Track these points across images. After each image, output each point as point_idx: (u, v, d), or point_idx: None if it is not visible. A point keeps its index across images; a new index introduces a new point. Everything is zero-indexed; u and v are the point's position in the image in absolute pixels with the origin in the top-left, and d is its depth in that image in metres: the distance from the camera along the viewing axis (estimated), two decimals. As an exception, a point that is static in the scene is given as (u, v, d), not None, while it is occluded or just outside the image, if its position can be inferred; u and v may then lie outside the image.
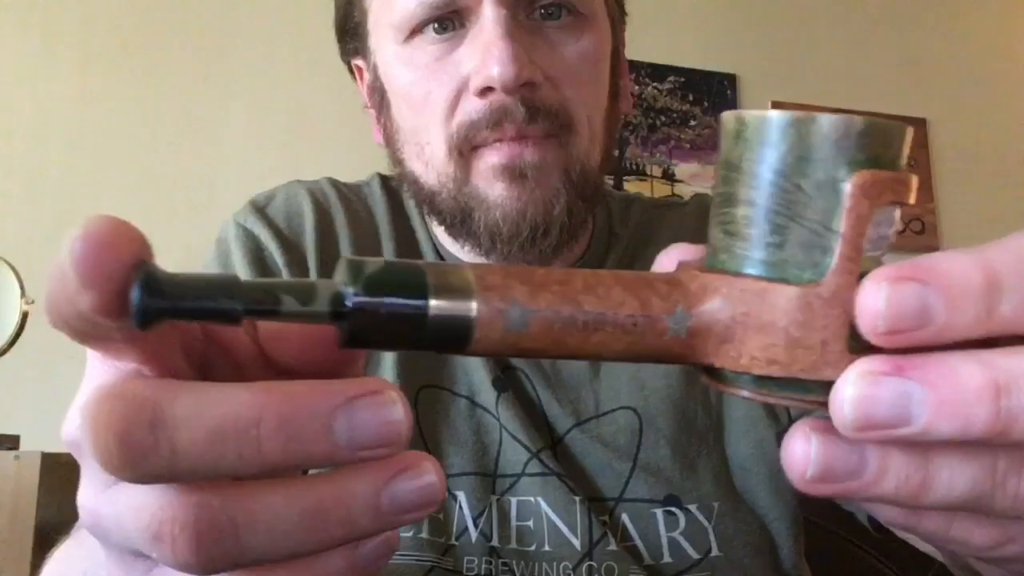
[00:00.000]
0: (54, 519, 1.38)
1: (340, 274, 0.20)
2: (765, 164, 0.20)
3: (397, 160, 0.61)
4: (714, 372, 0.22)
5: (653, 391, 0.59)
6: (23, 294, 1.30)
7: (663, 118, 2.28)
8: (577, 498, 0.54)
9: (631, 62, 0.65)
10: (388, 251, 0.62)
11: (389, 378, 0.56)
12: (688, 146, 2.29)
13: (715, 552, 0.54)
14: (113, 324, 0.18)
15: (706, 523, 0.55)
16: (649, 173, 2.24)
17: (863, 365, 0.19)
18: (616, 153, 2.07)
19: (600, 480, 0.56)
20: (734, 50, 2.36)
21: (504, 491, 0.55)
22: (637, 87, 2.22)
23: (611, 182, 2.10)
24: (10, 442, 1.33)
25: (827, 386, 0.20)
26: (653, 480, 0.56)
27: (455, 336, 0.20)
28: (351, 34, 0.63)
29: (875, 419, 0.19)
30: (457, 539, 0.52)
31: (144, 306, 0.18)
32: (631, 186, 2.17)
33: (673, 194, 2.22)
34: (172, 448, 0.19)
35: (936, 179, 2.43)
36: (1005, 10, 2.62)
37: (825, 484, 0.20)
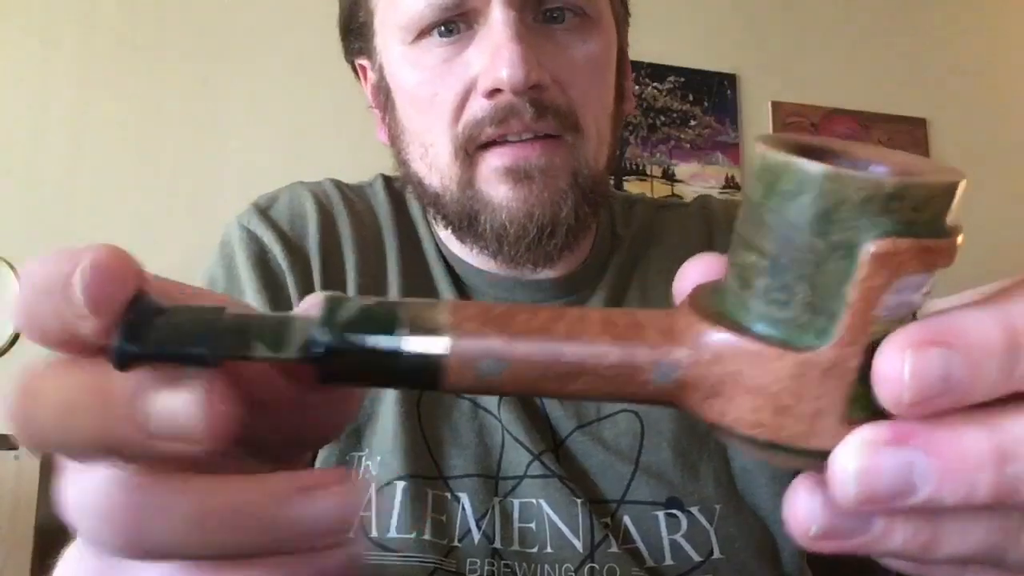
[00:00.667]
0: (54, 519, 1.38)
1: (319, 311, 0.20)
2: (782, 214, 0.19)
3: (402, 161, 0.61)
4: None
5: None
6: (23, 294, 1.30)
7: (663, 118, 2.28)
8: (579, 500, 0.54)
9: (631, 62, 0.65)
10: (392, 252, 0.61)
11: None
12: (688, 146, 2.29)
13: (717, 554, 0.54)
14: (100, 343, 0.19)
15: (708, 525, 0.55)
16: (649, 173, 2.24)
17: (863, 434, 0.18)
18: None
19: (602, 482, 0.56)
20: (734, 50, 2.36)
21: (507, 493, 0.55)
22: (637, 87, 2.22)
23: (611, 182, 2.10)
24: (10, 442, 1.33)
25: (815, 454, 0.19)
26: (655, 482, 0.56)
27: (427, 378, 0.20)
28: (356, 34, 0.62)
29: (878, 492, 0.18)
30: (460, 541, 0.52)
31: (121, 351, 0.19)
32: (631, 186, 2.17)
33: (673, 194, 2.22)
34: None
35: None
36: (1005, 10, 2.62)
37: (829, 542, 0.20)
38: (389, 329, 0.19)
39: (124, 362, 0.19)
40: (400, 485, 0.52)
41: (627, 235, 0.66)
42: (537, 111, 0.53)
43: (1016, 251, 2.41)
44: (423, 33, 0.55)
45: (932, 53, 2.50)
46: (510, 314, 0.20)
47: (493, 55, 0.52)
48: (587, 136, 0.56)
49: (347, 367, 0.20)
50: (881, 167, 0.19)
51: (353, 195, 0.65)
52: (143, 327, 0.19)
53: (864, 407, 0.19)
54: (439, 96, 0.55)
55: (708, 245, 0.65)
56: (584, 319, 0.20)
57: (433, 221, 0.63)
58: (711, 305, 0.20)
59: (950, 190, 0.18)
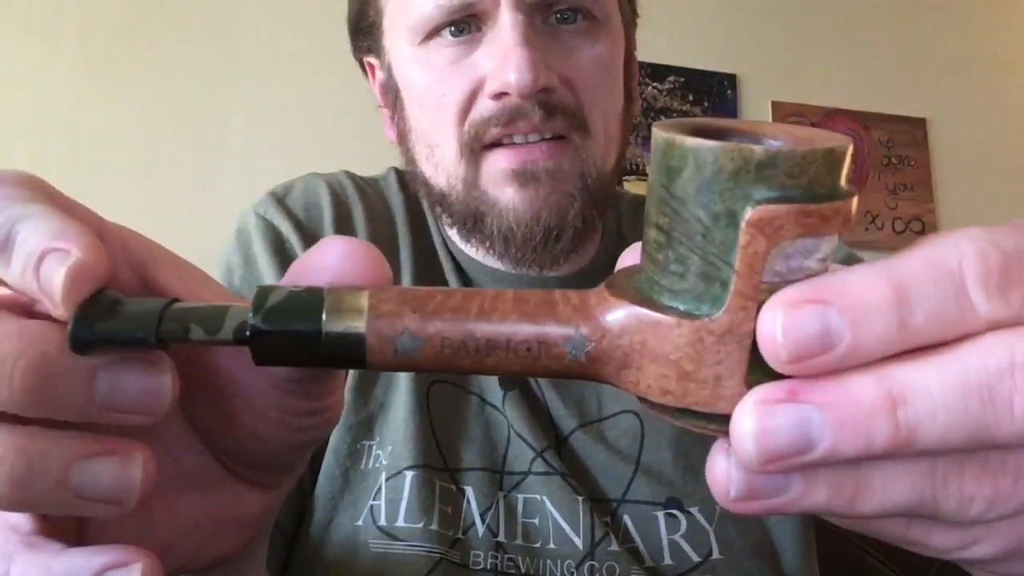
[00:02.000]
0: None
1: (255, 295, 0.22)
2: (670, 189, 0.20)
3: (409, 159, 0.61)
4: None
5: None
6: (23, 294, 1.30)
7: (663, 118, 2.28)
8: (580, 498, 0.54)
9: (631, 62, 0.65)
10: (405, 243, 0.62)
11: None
12: (688, 146, 2.29)
13: (716, 555, 0.54)
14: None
15: (707, 526, 0.55)
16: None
17: (756, 395, 0.19)
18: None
19: (603, 481, 0.56)
20: (734, 50, 2.36)
21: (511, 488, 0.55)
22: (638, 87, 2.22)
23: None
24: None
25: (721, 418, 0.20)
26: (655, 482, 0.56)
27: (349, 357, 0.21)
28: (365, 32, 0.63)
29: (777, 450, 0.18)
30: (465, 533, 0.52)
31: (74, 336, 0.21)
32: (631, 186, 2.17)
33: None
34: None
35: (936, 179, 2.43)
36: (1005, 10, 2.62)
37: (751, 503, 0.20)
38: (312, 313, 0.21)
39: (78, 345, 0.20)
40: (410, 475, 0.53)
41: (633, 236, 0.66)
42: (545, 112, 0.53)
43: (1016, 251, 2.42)
44: (432, 34, 0.55)
45: (932, 53, 2.50)
46: (427, 296, 0.21)
47: (501, 59, 0.52)
48: (595, 137, 0.56)
49: (275, 348, 0.21)
50: (778, 142, 0.20)
51: (367, 187, 0.65)
52: (96, 316, 0.21)
53: (765, 371, 0.19)
54: (446, 96, 0.55)
55: None
56: (498, 298, 0.21)
57: (440, 219, 0.63)
58: (626, 284, 0.21)
59: (826, 156, 0.18)
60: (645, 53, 2.51)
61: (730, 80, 2.35)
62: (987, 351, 0.18)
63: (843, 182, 0.19)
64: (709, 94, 2.33)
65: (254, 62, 1.93)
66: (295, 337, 0.21)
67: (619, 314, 0.20)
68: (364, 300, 0.21)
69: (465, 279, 0.62)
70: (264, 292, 0.22)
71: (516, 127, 0.53)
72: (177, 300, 0.22)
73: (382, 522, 0.52)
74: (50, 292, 0.20)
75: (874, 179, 2.39)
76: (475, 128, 0.54)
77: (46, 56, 1.83)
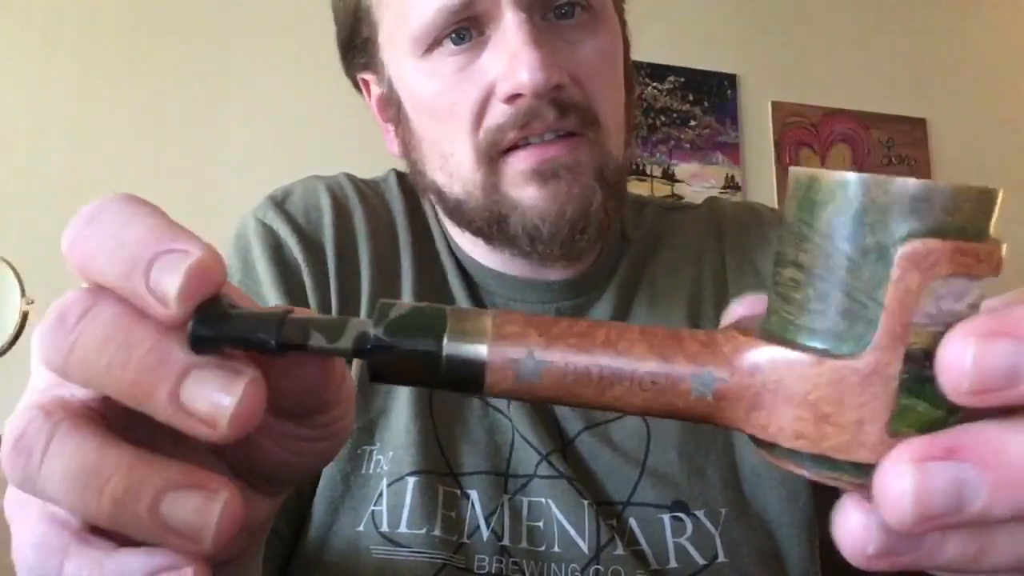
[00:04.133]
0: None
1: (373, 313, 0.22)
2: (814, 225, 0.19)
3: (418, 171, 0.60)
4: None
5: None
6: (23, 294, 1.30)
7: (663, 118, 2.28)
8: (585, 502, 0.53)
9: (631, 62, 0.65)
10: (405, 246, 0.61)
11: None
12: (688, 146, 2.29)
13: (721, 558, 0.54)
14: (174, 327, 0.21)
15: (712, 529, 0.55)
16: (649, 173, 2.24)
17: (911, 450, 0.18)
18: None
19: (608, 484, 0.56)
20: (734, 50, 2.36)
21: (516, 491, 0.54)
22: (637, 87, 2.22)
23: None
24: (10, 442, 1.33)
25: (859, 467, 0.19)
26: (661, 485, 0.55)
27: (468, 380, 0.21)
28: (359, 50, 0.62)
29: (931, 511, 0.18)
30: (469, 537, 0.52)
31: (195, 333, 0.21)
32: (631, 186, 2.17)
33: (673, 194, 2.22)
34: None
35: (936, 179, 2.43)
36: (1005, 10, 2.62)
37: (884, 559, 0.19)
38: (434, 331, 0.21)
39: (198, 344, 0.21)
40: (412, 481, 0.52)
41: (637, 238, 0.66)
42: (559, 111, 0.53)
43: (1017, 251, 2.42)
44: (435, 43, 0.54)
45: (932, 53, 2.50)
46: (552, 321, 0.21)
47: (511, 60, 0.52)
48: (606, 129, 0.56)
49: (394, 364, 0.21)
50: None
51: (367, 189, 0.65)
52: (215, 317, 0.21)
53: (909, 421, 0.18)
54: (458, 105, 0.54)
55: (717, 247, 0.65)
56: (625, 329, 0.21)
57: (443, 220, 0.63)
58: (753, 327, 0.21)
59: (980, 196, 0.18)
60: (645, 53, 2.50)
61: (730, 80, 2.35)
62: None
63: (991, 228, 0.19)
64: (709, 94, 2.33)
65: (255, 62, 1.94)
66: (416, 355, 0.21)
67: (752, 352, 0.20)
68: (488, 321, 0.21)
69: (469, 282, 0.62)
70: (387, 306, 0.21)
71: (532, 128, 0.53)
72: (289, 309, 0.22)
73: (384, 528, 0.52)
74: (163, 292, 0.21)
75: (874, 179, 2.40)
76: (491, 135, 0.54)
77: (46, 56, 1.83)
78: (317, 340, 0.21)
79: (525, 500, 0.54)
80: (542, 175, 0.53)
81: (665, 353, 0.20)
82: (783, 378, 0.19)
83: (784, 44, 2.41)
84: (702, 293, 0.63)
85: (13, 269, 1.33)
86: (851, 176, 0.18)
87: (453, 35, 0.54)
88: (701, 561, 0.53)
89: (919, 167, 2.43)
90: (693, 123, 2.31)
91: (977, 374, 0.17)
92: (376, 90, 0.63)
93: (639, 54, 0.65)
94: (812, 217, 0.19)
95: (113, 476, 0.21)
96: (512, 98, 0.52)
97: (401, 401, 0.55)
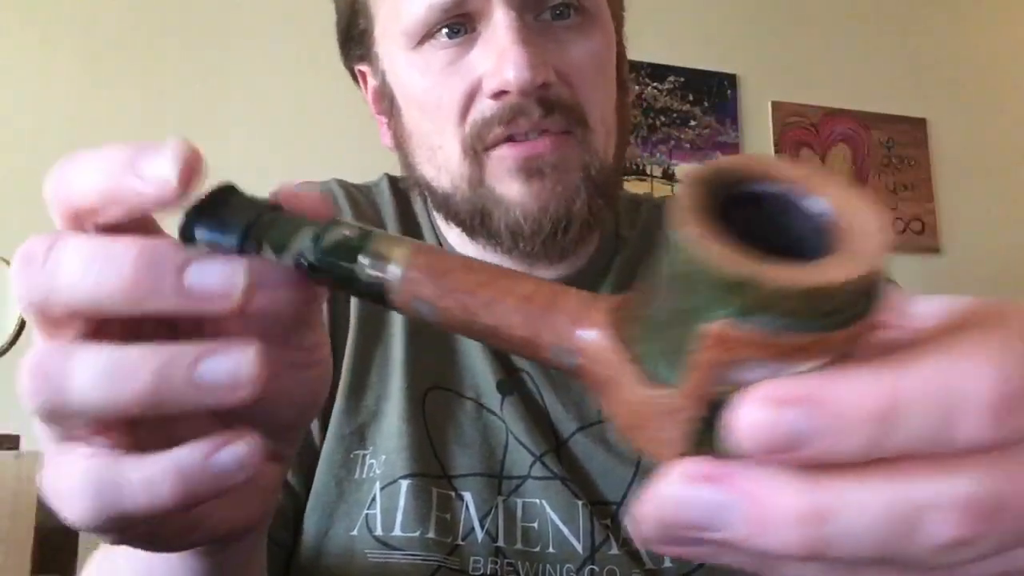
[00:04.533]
0: (54, 519, 1.38)
1: (313, 230, 0.25)
2: (663, 263, 0.19)
3: (408, 165, 0.61)
4: None
5: None
6: (23, 294, 1.30)
7: (663, 118, 2.28)
8: (579, 502, 0.54)
9: (631, 62, 0.65)
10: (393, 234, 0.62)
11: (397, 379, 0.56)
12: (688, 146, 2.29)
13: None
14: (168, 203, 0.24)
15: None
16: (649, 173, 2.24)
17: (685, 465, 0.19)
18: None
19: (603, 484, 0.56)
20: (734, 50, 2.36)
21: (510, 492, 0.55)
22: (637, 87, 2.22)
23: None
24: (10, 442, 1.33)
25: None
26: None
27: (378, 298, 0.25)
28: (356, 41, 0.63)
29: (679, 522, 0.19)
30: (463, 539, 0.52)
31: (180, 231, 0.25)
32: (631, 186, 2.17)
33: (673, 194, 2.22)
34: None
35: (936, 179, 2.43)
36: (1005, 10, 2.62)
37: (666, 546, 0.20)
38: (355, 256, 0.24)
39: (183, 238, 0.25)
40: (405, 483, 0.53)
41: (631, 236, 0.66)
42: (544, 109, 0.53)
43: (1016, 251, 2.42)
44: (426, 37, 0.55)
45: (932, 53, 2.50)
46: (451, 269, 0.24)
47: (498, 57, 0.52)
48: (594, 130, 0.56)
49: (324, 277, 0.25)
50: (822, 202, 0.19)
51: (358, 195, 0.65)
52: (205, 212, 0.25)
53: (710, 445, 0.19)
54: (444, 99, 0.55)
55: None
56: (509, 292, 0.23)
57: (437, 221, 0.63)
58: (629, 309, 0.21)
59: (815, 292, 0.17)
60: (645, 53, 2.51)
61: (730, 80, 2.35)
62: (943, 481, 0.18)
63: (853, 317, 0.18)
64: (709, 94, 2.33)
65: (254, 62, 1.94)
66: (338, 273, 0.25)
67: (603, 344, 0.21)
68: (401, 253, 0.24)
69: None
70: (325, 227, 0.25)
71: (517, 125, 0.53)
72: (278, 208, 0.26)
73: (378, 532, 0.52)
74: (158, 176, 0.23)
75: (874, 179, 2.39)
76: (476, 129, 0.54)
77: (46, 56, 1.83)
78: (267, 252, 0.25)
79: (519, 501, 0.54)
80: (527, 171, 0.54)
81: (534, 323, 0.23)
82: (613, 376, 0.21)
83: (784, 44, 2.41)
84: None
85: (13, 269, 1.33)
86: (687, 235, 0.18)
87: (445, 30, 0.54)
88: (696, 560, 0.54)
89: (919, 167, 2.43)
90: (693, 123, 2.31)
91: (757, 437, 0.18)
92: (371, 82, 0.63)
93: (639, 54, 0.65)
94: (664, 254, 0.19)
95: (144, 360, 0.23)
96: (498, 95, 0.53)
97: (393, 404, 0.55)
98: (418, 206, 0.65)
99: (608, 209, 0.59)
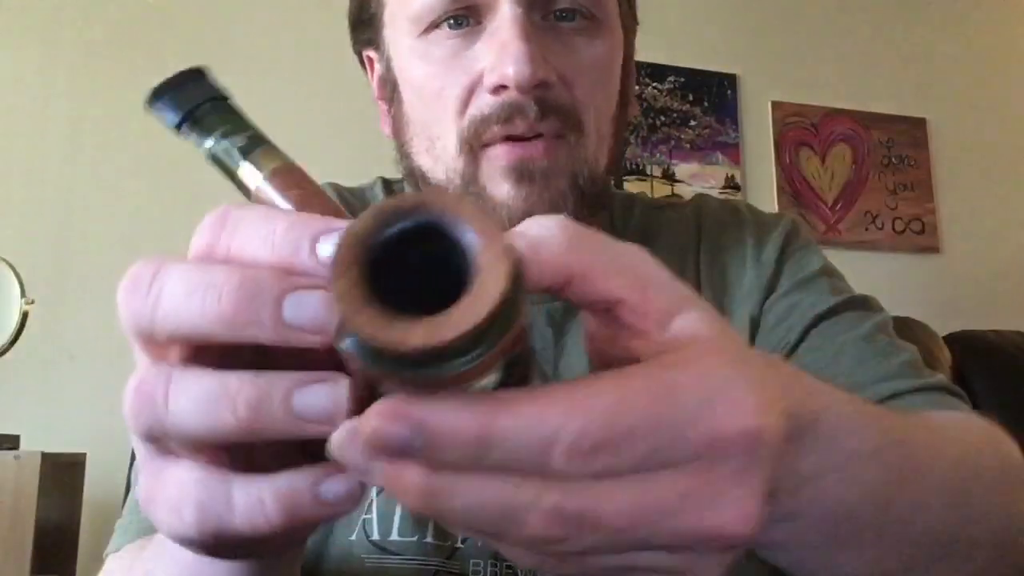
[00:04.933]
0: (54, 519, 1.38)
1: (224, 129, 0.31)
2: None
3: (405, 154, 0.61)
4: None
5: None
6: (23, 294, 1.30)
7: (663, 118, 2.28)
8: None
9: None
10: None
11: None
12: (688, 146, 2.29)
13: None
14: None
15: None
16: (649, 173, 2.24)
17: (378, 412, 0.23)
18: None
19: None
20: (734, 50, 2.36)
21: None
22: (637, 87, 2.22)
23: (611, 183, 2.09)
24: (10, 442, 1.33)
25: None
26: None
27: (246, 193, 0.30)
28: (365, 25, 0.63)
29: (377, 443, 0.22)
30: (462, 542, 0.52)
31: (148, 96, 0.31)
32: (631, 186, 2.17)
33: (673, 194, 2.22)
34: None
35: (936, 179, 2.43)
36: (1006, 10, 2.62)
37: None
38: (239, 160, 0.29)
39: (148, 102, 0.31)
40: None
41: (625, 237, 0.66)
42: (542, 110, 0.53)
43: (1016, 251, 2.42)
44: (432, 26, 0.56)
45: (932, 53, 2.50)
46: (295, 189, 0.29)
47: (500, 51, 0.53)
48: (588, 136, 0.56)
49: (218, 169, 0.30)
50: (472, 232, 0.22)
51: (351, 197, 0.66)
52: (176, 89, 0.33)
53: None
54: (446, 90, 0.56)
55: (696, 245, 0.65)
56: (295, 195, 0.29)
57: None
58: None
59: (424, 350, 0.20)
60: (645, 53, 2.52)
61: (730, 80, 2.35)
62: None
63: (454, 358, 0.21)
64: (709, 94, 2.33)
65: (254, 62, 1.93)
66: (226, 172, 0.30)
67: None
68: (267, 166, 0.29)
69: None
70: (230, 131, 0.31)
71: (515, 126, 0.54)
72: (224, 99, 0.31)
73: (375, 537, 0.52)
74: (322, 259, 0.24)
75: (874, 179, 2.39)
76: (474, 125, 0.55)
77: (46, 56, 1.83)
78: (193, 136, 0.31)
79: None
80: (518, 174, 0.54)
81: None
82: None
83: (784, 44, 2.41)
84: None
85: (13, 269, 1.33)
86: (346, 303, 0.21)
87: (451, 20, 0.55)
88: None
89: (919, 167, 2.43)
90: (693, 123, 2.31)
91: (375, 443, 0.22)
92: (377, 68, 0.64)
93: (639, 54, 0.65)
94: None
95: (242, 389, 0.23)
96: (497, 90, 0.53)
97: None
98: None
99: (594, 216, 0.60)
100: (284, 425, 0.24)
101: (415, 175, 0.61)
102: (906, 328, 1.68)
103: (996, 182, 2.46)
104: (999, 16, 2.61)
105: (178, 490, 0.25)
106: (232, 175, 0.29)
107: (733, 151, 2.32)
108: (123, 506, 0.54)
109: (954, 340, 1.79)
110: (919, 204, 2.40)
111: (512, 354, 0.23)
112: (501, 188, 0.55)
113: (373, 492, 0.53)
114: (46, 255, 1.73)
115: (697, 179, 2.27)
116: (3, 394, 1.57)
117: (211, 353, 0.25)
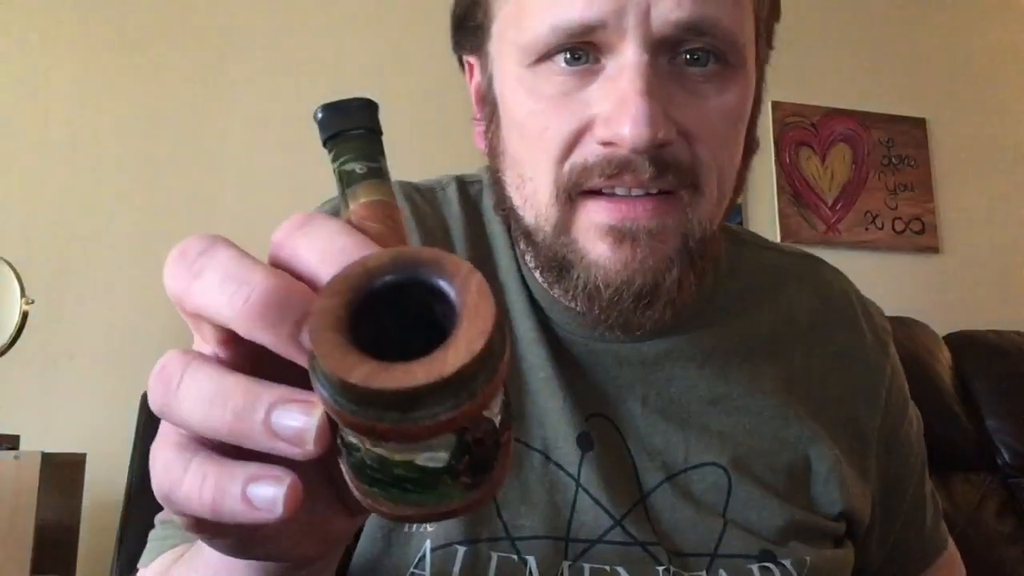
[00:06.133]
0: (54, 519, 1.38)
1: (350, 156, 0.30)
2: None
3: (497, 180, 0.57)
4: None
5: (739, 445, 0.56)
6: (23, 294, 1.30)
7: (663, 118, 2.28)
8: (660, 568, 0.51)
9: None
10: (460, 250, 0.58)
11: None
12: (688, 146, 2.29)
13: None
14: None
15: None
16: (649, 173, 2.24)
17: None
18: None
19: (692, 536, 0.53)
20: (734, 50, 2.36)
21: (577, 556, 0.51)
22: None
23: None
24: (10, 442, 1.33)
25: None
26: (745, 535, 0.54)
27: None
28: (469, 32, 0.58)
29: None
30: None
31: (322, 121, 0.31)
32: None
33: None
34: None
35: (936, 179, 2.43)
36: (1006, 10, 2.62)
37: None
38: (349, 183, 0.30)
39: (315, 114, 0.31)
40: (461, 550, 0.49)
41: (732, 288, 0.62)
42: (657, 168, 0.48)
43: (1016, 251, 2.42)
44: (544, 58, 0.50)
45: (932, 53, 2.50)
46: (370, 226, 0.28)
47: (618, 105, 0.47)
48: (705, 195, 0.51)
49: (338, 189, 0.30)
50: (453, 290, 0.23)
51: (417, 196, 0.61)
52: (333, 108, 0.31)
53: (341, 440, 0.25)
54: (550, 131, 0.50)
55: (810, 336, 0.62)
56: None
57: (521, 244, 0.58)
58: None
59: (395, 395, 0.21)
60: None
61: (730, 80, 2.35)
62: None
63: (427, 406, 0.22)
64: (709, 94, 2.33)
65: (255, 62, 1.93)
66: (341, 194, 0.30)
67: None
68: (357, 201, 0.29)
69: (541, 316, 0.57)
70: (354, 159, 0.30)
71: (622, 180, 0.48)
72: (370, 130, 0.31)
73: None
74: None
75: (874, 179, 2.39)
76: (576, 173, 0.50)
77: (46, 56, 1.83)
78: (332, 155, 0.31)
79: (587, 567, 0.51)
80: (619, 233, 0.49)
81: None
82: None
83: (784, 44, 2.40)
84: (792, 384, 0.60)
85: (13, 269, 1.33)
86: (325, 349, 0.22)
87: (567, 54, 0.49)
88: None
89: (919, 167, 2.43)
90: (693, 123, 2.30)
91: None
92: (477, 78, 0.59)
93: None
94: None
95: (234, 394, 0.25)
96: (609, 143, 0.48)
97: None
98: (487, 214, 0.61)
99: (699, 281, 0.54)
100: (261, 438, 0.24)
101: (506, 206, 0.56)
102: (906, 328, 1.68)
103: (996, 182, 2.46)
104: (999, 16, 2.61)
105: (154, 475, 0.27)
106: (342, 194, 0.30)
107: (733, 151, 2.32)
108: (123, 506, 0.54)
109: (954, 340, 1.79)
110: (919, 204, 2.40)
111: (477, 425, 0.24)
112: (597, 246, 0.50)
113: (427, 546, 0.50)
114: (46, 255, 1.72)
115: (697, 179, 2.27)
116: (3, 394, 1.57)
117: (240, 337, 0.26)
